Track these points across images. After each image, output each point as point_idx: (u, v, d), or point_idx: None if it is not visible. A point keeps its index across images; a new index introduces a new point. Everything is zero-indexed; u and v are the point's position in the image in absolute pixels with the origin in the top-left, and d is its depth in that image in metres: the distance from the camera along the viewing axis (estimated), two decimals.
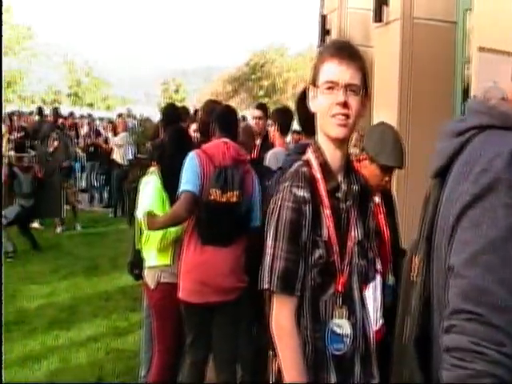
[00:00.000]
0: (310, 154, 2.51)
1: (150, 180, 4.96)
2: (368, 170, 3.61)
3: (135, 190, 5.24)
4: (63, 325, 7.35)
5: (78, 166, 17.87)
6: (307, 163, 2.49)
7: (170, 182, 4.68)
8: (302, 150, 2.80)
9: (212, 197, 4.44)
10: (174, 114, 5.89)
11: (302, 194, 2.39)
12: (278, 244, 2.38)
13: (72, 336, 7.05)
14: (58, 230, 12.72)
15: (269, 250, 2.41)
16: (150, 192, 4.89)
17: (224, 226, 4.52)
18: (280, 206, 2.41)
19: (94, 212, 15.26)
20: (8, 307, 7.86)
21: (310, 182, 2.42)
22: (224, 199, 4.43)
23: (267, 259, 2.40)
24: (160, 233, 4.72)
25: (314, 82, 2.48)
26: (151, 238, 4.85)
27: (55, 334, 7.04)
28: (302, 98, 3.97)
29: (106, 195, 16.88)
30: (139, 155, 6.57)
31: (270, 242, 2.41)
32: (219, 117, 4.89)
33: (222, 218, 4.49)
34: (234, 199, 4.44)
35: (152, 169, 5.08)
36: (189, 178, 4.51)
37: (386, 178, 3.74)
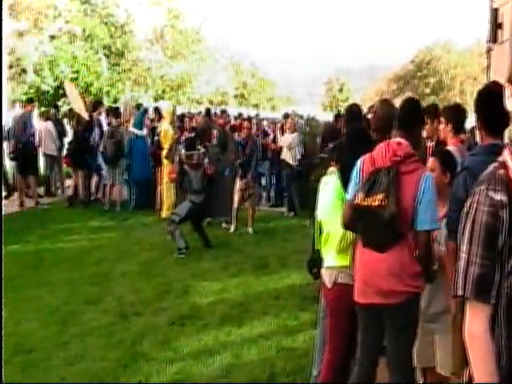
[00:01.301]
0: (506, 156, 2.38)
1: (330, 180, 4.95)
2: None
3: (314, 190, 5.25)
4: (235, 321, 7.46)
5: None
6: (503, 165, 2.36)
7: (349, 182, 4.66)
8: (491, 151, 2.68)
9: (356, 200, 4.39)
10: (357, 113, 5.81)
11: (498, 197, 2.28)
12: (472, 249, 2.28)
13: (243, 333, 7.14)
14: (232, 228, 12.98)
15: (463, 255, 2.31)
16: (329, 192, 4.89)
17: (370, 231, 4.42)
18: (476, 209, 2.30)
19: (262, 211, 15.49)
20: (181, 302, 8.16)
21: (508, 185, 2.30)
22: (365, 203, 4.32)
23: (462, 264, 2.31)
24: (339, 234, 4.71)
25: (510, 80, 2.36)
26: (330, 239, 4.86)
27: (227, 330, 7.16)
28: (486, 96, 3.83)
29: (272, 194, 17.09)
30: (322, 155, 6.55)
31: (464, 247, 2.32)
32: (401, 109, 4.77)
33: (365, 223, 4.40)
34: (376, 203, 4.27)
35: (331, 169, 5.07)
36: (351, 185, 4.57)
37: None
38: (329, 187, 4.91)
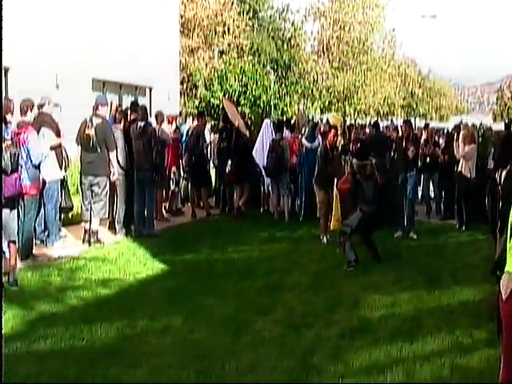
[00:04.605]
0: None
1: None
2: None
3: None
4: (406, 336, 7.25)
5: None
6: None
7: None
8: None
9: None
10: None
11: None
12: None
13: (415, 349, 6.92)
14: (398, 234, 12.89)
15: None
16: None
17: None
18: None
19: (432, 223, 15.15)
20: (351, 315, 8.08)
21: None
22: None
23: None
24: None
25: None
26: None
27: (399, 346, 6.96)
28: None
29: (442, 207, 16.67)
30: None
31: None
32: None
33: None
34: None
35: None
36: None
37: None
38: None
